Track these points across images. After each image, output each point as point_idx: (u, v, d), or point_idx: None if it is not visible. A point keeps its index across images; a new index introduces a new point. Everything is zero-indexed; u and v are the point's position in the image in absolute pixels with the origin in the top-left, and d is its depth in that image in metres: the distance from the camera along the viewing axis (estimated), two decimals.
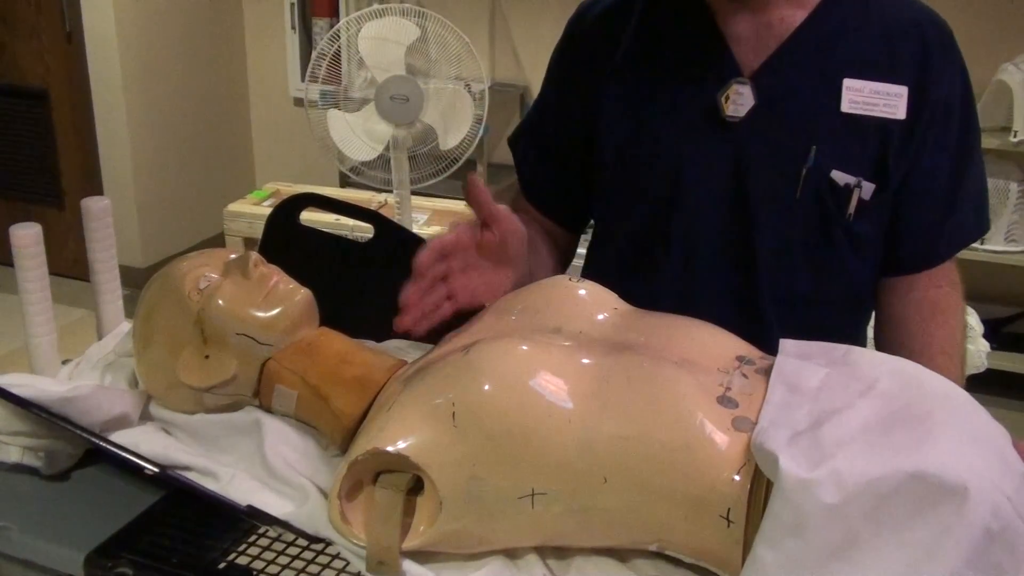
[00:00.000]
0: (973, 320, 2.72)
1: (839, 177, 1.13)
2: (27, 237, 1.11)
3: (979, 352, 2.71)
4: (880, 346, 1.24)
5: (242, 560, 0.89)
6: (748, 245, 1.17)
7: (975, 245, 3.21)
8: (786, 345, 0.92)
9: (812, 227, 1.15)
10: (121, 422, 1.03)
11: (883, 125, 1.12)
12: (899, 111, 1.12)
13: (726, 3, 1.15)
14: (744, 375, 0.89)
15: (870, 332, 1.32)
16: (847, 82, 1.12)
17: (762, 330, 0.99)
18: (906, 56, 1.13)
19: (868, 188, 1.14)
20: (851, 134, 1.13)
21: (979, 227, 1.22)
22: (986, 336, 2.74)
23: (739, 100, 1.13)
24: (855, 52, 1.13)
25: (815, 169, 1.13)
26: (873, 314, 1.28)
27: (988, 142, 3.15)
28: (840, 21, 1.14)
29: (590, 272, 1.29)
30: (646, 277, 1.06)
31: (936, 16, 1.17)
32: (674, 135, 1.17)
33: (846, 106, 1.12)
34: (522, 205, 1.35)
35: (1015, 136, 3.06)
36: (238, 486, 0.95)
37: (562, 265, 1.34)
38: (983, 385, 2.42)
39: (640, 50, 1.20)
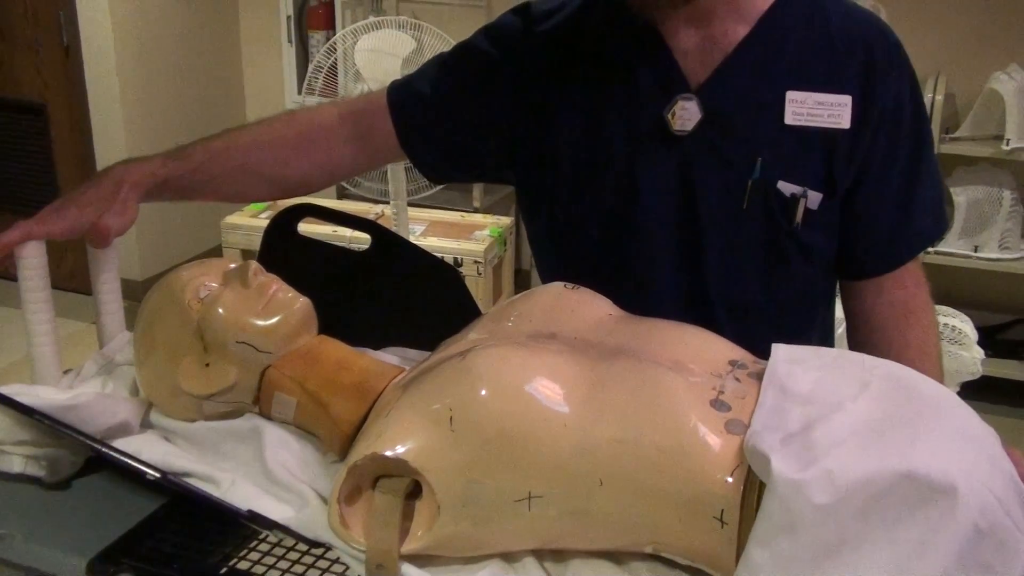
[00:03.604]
0: (968, 327, 2.74)
1: (785, 188, 1.15)
2: (30, 249, 1.12)
3: (974, 359, 2.73)
4: (856, 350, 1.25)
5: (243, 565, 0.90)
6: (699, 256, 1.18)
7: (969, 252, 3.27)
8: (778, 349, 0.93)
9: (760, 237, 1.17)
10: (122, 430, 1.04)
11: (828, 135, 1.14)
12: (844, 120, 1.14)
13: (670, 18, 1.16)
14: (737, 379, 0.90)
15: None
16: (790, 94, 1.13)
17: None
18: (850, 65, 1.14)
19: (815, 197, 1.15)
20: (796, 145, 1.14)
21: (938, 228, 1.24)
22: (980, 343, 2.75)
23: (685, 115, 1.14)
24: (798, 64, 1.14)
25: (760, 180, 1.14)
26: (835, 319, 1.30)
27: (981, 150, 3.17)
28: (783, 33, 1.15)
29: (544, 282, 1.29)
30: (601, 288, 1.08)
31: (881, 24, 1.19)
32: (626, 150, 1.18)
33: (789, 118, 1.14)
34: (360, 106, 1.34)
35: (1007, 144, 3.08)
36: (238, 492, 0.96)
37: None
38: (978, 392, 2.45)
39: (592, 67, 1.20)
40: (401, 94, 1.30)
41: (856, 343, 1.26)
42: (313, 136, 1.30)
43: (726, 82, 1.15)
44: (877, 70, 1.15)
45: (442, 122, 1.28)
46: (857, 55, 1.15)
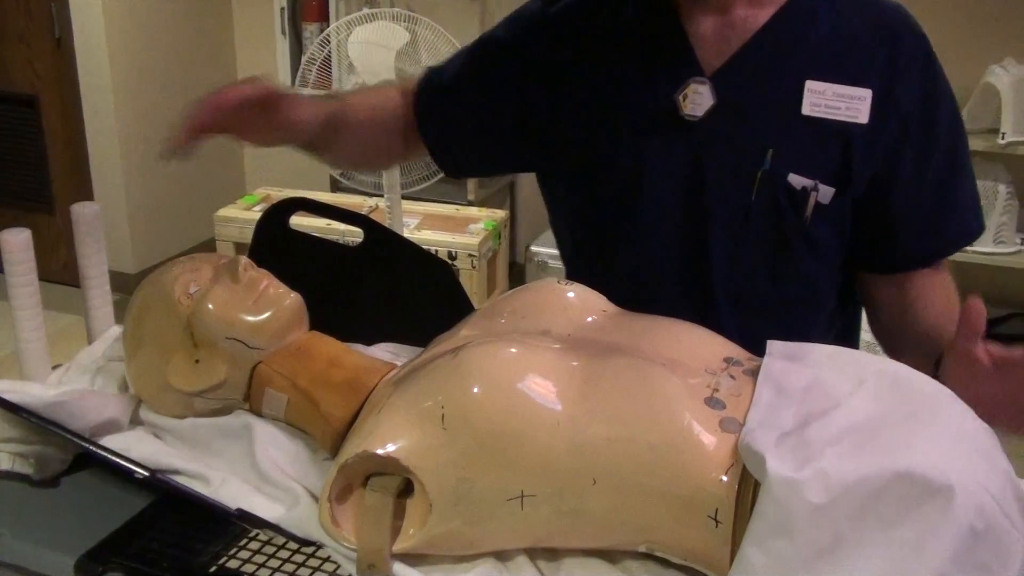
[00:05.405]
0: None
1: (796, 180, 1.12)
2: (17, 243, 1.11)
3: None
4: (880, 336, 1.25)
5: (232, 564, 0.89)
6: (703, 245, 1.17)
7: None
8: (773, 346, 0.92)
9: (768, 229, 1.15)
10: (111, 426, 1.03)
11: (845, 129, 1.11)
12: (861, 115, 1.11)
13: (689, 2, 1.14)
14: (731, 376, 0.89)
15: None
16: (809, 84, 1.11)
17: (717, 329, 0.99)
18: (874, 60, 1.12)
19: (826, 192, 1.13)
20: (811, 137, 1.12)
21: (977, 228, 1.22)
22: None
23: (697, 100, 1.12)
24: (819, 54, 1.12)
25: (771, 172, 1.12)
26: (837, 315, 1.30)
27: (976, 144, 3.17)
28: (805, 23, 1.13)
29: (565, 266, 1.31)
30: (603, 274, 1.06)
31: (910, 19, 1.15)
32: (634, 133, 1.17)
33: (807, 109, 1.11)
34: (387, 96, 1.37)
35: (1003, 138, 3.08)
36: (228, 490, 0.95)
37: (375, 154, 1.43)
38: None
39: (605, 47, 1.19)
40: (426, 88, 1.33)
41: (882, 329, 1.26)
42: (384, 119, 1.35)
43: (742, 68, 1.13)
44: (900, 65, 1.12)
45: (462, 113, 1.30)
46: (882, 48, 1.12)
